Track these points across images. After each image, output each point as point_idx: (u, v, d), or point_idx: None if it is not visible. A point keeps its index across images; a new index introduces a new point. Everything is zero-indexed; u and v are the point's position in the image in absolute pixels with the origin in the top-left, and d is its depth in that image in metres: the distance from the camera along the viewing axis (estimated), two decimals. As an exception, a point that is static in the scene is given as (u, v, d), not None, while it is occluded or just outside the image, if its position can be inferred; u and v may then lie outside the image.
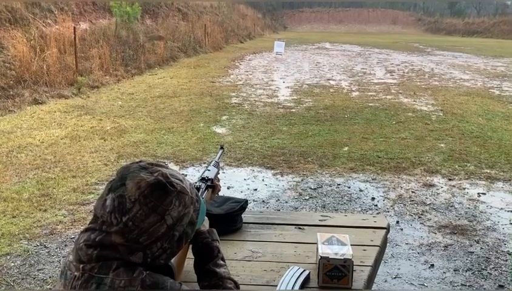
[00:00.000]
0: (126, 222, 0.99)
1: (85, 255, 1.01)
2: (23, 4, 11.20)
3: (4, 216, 3.72)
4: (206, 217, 1.40)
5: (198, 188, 1.45)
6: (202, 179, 1.52)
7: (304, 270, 1.46)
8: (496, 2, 53.67)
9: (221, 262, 1.30)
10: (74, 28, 10.62)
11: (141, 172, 1.05)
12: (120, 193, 1.01)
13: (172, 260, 1.15)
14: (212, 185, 1.53)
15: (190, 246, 1.34)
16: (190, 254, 1.35)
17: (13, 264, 3.06)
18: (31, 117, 7.04)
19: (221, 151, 1.84)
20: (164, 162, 5.07)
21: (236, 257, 1.62)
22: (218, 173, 1.63)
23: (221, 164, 4.85)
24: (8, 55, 9.05)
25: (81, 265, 1.01)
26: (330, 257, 1.42)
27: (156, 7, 19.16)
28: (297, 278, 1.42)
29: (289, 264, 1.53)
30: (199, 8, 24.30)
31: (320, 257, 1.43)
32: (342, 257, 1.42)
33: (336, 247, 1.48)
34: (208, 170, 1.59)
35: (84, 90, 9.13)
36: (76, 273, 1.01)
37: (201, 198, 1.18)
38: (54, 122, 6.81)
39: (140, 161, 1.10)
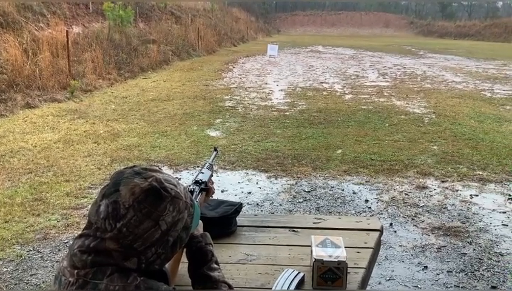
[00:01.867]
0: (120, 228, 0.99)
1: (79, 261, 1.01)
2: (15, 8, 11.15)
3: (-3, 221, 3.69)
4: (200, 221, 1.40)
5: (192, 191, 1.45)
6: (196, 182, 1.52)
7: (298, 273, 1.46)
8: (487, 5, 54.17)
9: (215, 265, 1.30)
10: (67, 31, 10.58)
11: (134, 178, 1.04)
12: (114, 199, 1.01)
13: (166, 266, 1.15)
14: (205, 188, 1.52)
15: (184, 250, 1.34)
16: (184, 258, 1.35)
17: (5, 269, 3.04)
18: (23, 122, 7.00)
19: (214, 153, 1.83)
20: (158, 166, 5.07)
21: (231, 260, 1.62)
22: (211, 175, 1.62)
23: (215, 167, 4.85)
24: (0, 59, 9.00)
25: (75, 271, 1.01)
26: (324, 259, 1.43)
27: (149, 10, 19.16)
28: (291, 281, 1.42)
29: (284, 267, 1.53)
30: (192, 12, 24.32)
31: (314, 260, 1.44)
32: (336, 260, 1.43)
33: (330, 249, 1.48)
34: (202, 173, 1.58)
35: (77, 94, 9.09)
36: (70, 279, 1.01)
37: (195, 202, 1.18)
38: (47, 126, 6.77)
39: (134, 166, 1.10)
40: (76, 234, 3.43)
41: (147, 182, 1.04)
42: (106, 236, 1.00)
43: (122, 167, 1.13)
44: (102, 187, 1.07)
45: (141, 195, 1.01)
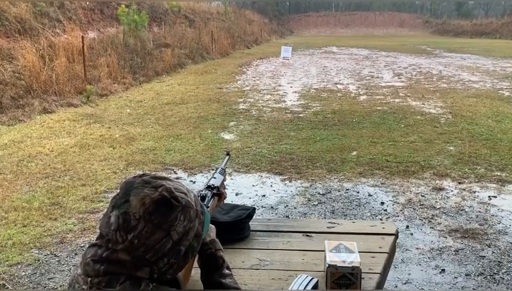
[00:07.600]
0: (132, 240, 0.99)
1: (92, 270, 1.01)
2: (32, 14, 11.34)
3: (15, 225, 3.75)
4: (213, 226, 1.40)
5: (204, 197, 1.44)
6: (208, 187, 1.52)
7: (312, 278, 1.45)
8: (504, 2, 53.29)
9: (227, 271, 1.30)
10: (83, 37, 10.72)
11: (144, 188, 1.04)
12: (124, 210, 1.01)
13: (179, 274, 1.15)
14: (218, 193, 1.52)
15: (196, 258, 1.33)
16: (196, 264, 1.35)
17: (24, 273, 3.08)
18: (40, 127, 7.11)
19: (227, 158, 1.83)
20: (173, 169, 5.10)
21: (244, 266, 1.62)
22: (224, 180, 1.62)
23: (229, 170, 4.85)
24: (18, 65, 9.16)
25: (89, 279, 1.01)
26: (338, 265, 1.42)
27: (163, 14, 19.30)
28: (305, 286, 1.41)
29: (297, 272, 1.52)
30: (206, 15, 24.44)
31: (327, 266, 1.43)
32: (350, 265, 1.42)
33: (344, 254, 1.47)
34: (214, 178, 1.58)
35: (93, 98, 9.20)
36: (84, 286, 1.02)
37: (205, 209, 1.17)
38: (63, 130, 6.86)
39: (143, 175, 1.09)
40: (92, 239, 3.46)
41: (157, 192, 1.03)
42: (118, 247, 1.00)
43: (132, 175, 1.13)
44: (113, 196, 1.07)
45: (152, 206, 1.01)
